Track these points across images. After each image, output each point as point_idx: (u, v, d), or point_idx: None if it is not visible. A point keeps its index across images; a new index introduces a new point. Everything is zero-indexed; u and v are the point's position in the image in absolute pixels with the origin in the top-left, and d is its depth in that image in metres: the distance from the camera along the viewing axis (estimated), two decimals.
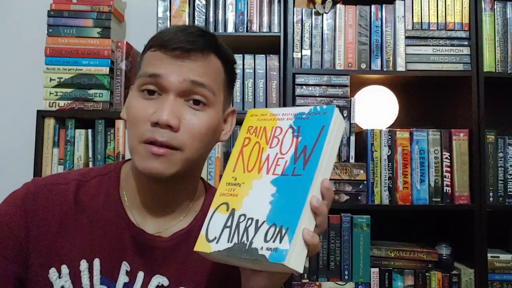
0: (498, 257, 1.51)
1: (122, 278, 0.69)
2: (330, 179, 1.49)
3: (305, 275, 1.46)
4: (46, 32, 1.54)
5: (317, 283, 1.45)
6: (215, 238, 0.60)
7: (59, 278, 0.68)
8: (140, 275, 0.70)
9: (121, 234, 0.70)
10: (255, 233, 0.57)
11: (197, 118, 0.67)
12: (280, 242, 0.54)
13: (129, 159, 0.75)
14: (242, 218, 0.59)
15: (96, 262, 0.69)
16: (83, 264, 0.68)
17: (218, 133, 0.73)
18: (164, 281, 0.70)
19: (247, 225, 0.58)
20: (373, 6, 1.56)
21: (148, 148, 0.64)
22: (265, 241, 0.55)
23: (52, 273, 0.68)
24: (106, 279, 0.69)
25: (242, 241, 0.57)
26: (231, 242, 0.58)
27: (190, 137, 0.66)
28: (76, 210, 0.71)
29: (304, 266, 1.43)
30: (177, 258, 0.71)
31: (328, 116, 0.61)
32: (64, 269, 0.68)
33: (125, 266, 0.70)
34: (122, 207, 0.72)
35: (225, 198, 0.63)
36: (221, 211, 0.62)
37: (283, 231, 0.55)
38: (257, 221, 0.57)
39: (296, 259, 0.55)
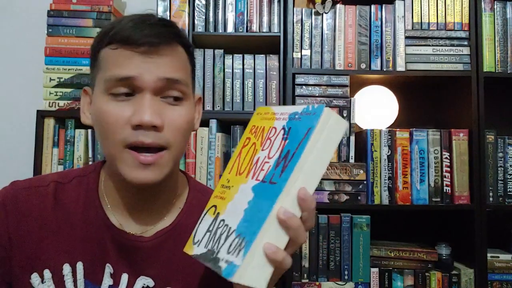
0: (498, 257, 1.51)
1: (107, 281, 0.68)
2: (330, 179, 1.52)
3: (305, 275, 1.46)
4: (46, 32, 1.54)
5: (317, 283, 1.45)
6: (198, 240, 0.59)
7: (42, 283, 0.67)
8: (125, 277, 0.68)
9: (102, 236, 0.69)
10: (224, 242, 0.54)
11: (177, 113, 0.65)
12: (237, 255, 0.51)
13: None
14: (221, 223, 0.57)
15: (79, 266, 0.67)
16: (66, 268, 0.67)
17: (193, 124, 0.72)
18: (149, 282, 0.69)
19: (222, 232, 0.56)
20: (373, 6, 1.56)
21: (134, 156, 0.62)
22: (227, 252, 0.52)
23: (34, 278, 0.67)
24: (90, 283, 0.67)
25: (213, 248, 0.55)
26: (206, 247, 0.57)
27: (174, 134, 0.64)
28: (56, 212, 0.69)
29: (303, 266, 1.45)
30: (161, 257, 0.70)
31: (316, 117, 0.53)
32: (47, 273, 0.67)
33: (108, 269, 0.68)
34: (102, 208, 0.70)
35: (216, 201, 0.61)
36: (210, 214, 0.61)
37: (243, 244, 0.51)
38: (229, 228, 0.55)
39: (252, 275, 0.50)
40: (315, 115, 0.54)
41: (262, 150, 0.59)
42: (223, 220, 0.57)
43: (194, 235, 0.61)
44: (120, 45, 0.63)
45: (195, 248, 0.58)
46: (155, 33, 0.63)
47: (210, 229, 0.58)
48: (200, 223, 0.61)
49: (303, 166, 0.52)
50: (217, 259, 0.53)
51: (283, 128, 0.58)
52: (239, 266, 0.50)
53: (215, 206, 0.61)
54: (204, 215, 0.62)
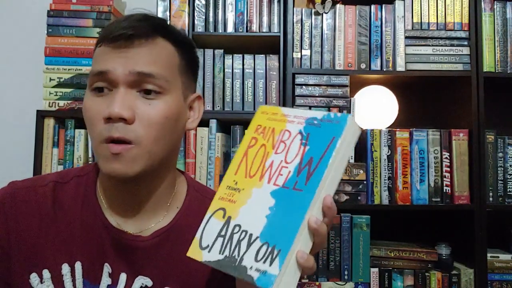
0: (498, 257, 1.51)
1: (105, 281, 0.68)
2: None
3: (305, 275, 1.46)
4: (46, 32, 1.54)
5: (317, 283, 1.45)
6: (208, 246, 0.57)
7: (41, 283, 0.67)
8: (123, 277, 0.68)
9: (100, 236, 0.69)
10: (247, 249, 0.53)
11: (152, 107, 0.63)
12: (270, 264, 0.51)
13: None
14: (237, 229, 0.55)
15: (78, 266, 0.67)
16: (65, 268, 0.67)
17: (182, 121, 0.70)
18: (148, 282, 0.68)
19: (240, 238, 0.54)
20: (372, 6, 1.56)
21: (106, 147, 0.62)
22: (256, 260, 0.52)
23: (33, 278, 0.67)
24: (88, 282, 0.67)
25: (233, 255, 0.54)
26: (222, 253, 0.55)
27: (146, 128, 0.63)
28: (55, 212, 0.69)
29: None
30: (159, 257, 0.69)
31: (341, 126, 0.54)
32: (46, 273, 0.67)
33: (107, 268, 0.68)
34: (100, 208, 0.70)
35: (223, 203, 0.59)
36: (217, 217, 0.58)
37: (275, 253, 0.51)
38: (250, 235, 0.54)
39: (286, 284, 0.51)
40: (338, 123, 0.54)
41: (276, 153, 0.58)
42: (238, 225, 0.56)
43: (200, 239, 0.58)
44: (103, 43, 0.64)
45: (205, 254, 0.56)
46: (131, 26, 0.63)
47: (222, 234, 0.56)
48: (205, 226, 0.59)
49: (329, 174, 0.53)
50: (243, 267, 0.52)
51: (300, 133, 0.57)
52: (276, 276, 0.50)
53: (223, 209, 0.59)
54: (209, 218, 0.59)
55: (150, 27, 0.64)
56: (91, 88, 0.65)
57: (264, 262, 0.51)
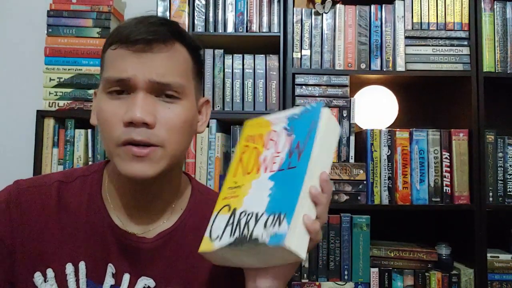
0: (498, 257, 1.51)
1: (109, 281, 0.68)
2: (330, 179, 1.50)
3: (305, 275, 1.46)
4: (46, 32, 1.54)
5: (317, 283, 1.45)
6: (218, 236, 0.60)
7: (45, 282, 0.67)
8: (126, 277, 0.68)
9: (105, 236, 0.69)
10: (255, 224, 0.57)
11: (171, 111, 0.64)
12: (279, 226, 0.54)
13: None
14: (243, 214, 0.59)
15: (82, 265, 0.68)
16: (69, 268, 0.67)
17: (194, 125, 0.71)
18: (151, 282, 0.69)
19: (248, 219, 0.58)
20: (372, 6, 1.56)
21: (128, 149, 0.62)
22: (265, 228, 0.56)
23: (38, 277, 0.67)
24: (92, 282, 0.68)
25: (244, 234, 0.57)
26: (233, 236, 0.58)
27: (168, 132, 0.64)
28: (60, 212, 0.70)
29: (303, 266, 1.45)
30: (163, 258, 0.70)
31: (316, 111, 0.62)
32: (50, 272, 0.67)
33: (110, 269, 0.68)
34: (105, 209, 0.71)
35: (227, 201, 0.63)
36: (223, 213, 0.62)
37: (282, 216, 0.55)
38: (257, 214, 0.58)
39: (297, 243, 0.54)
40: (314, 109, 0.63)
41: (267, 149, 0.64)
42: (243, 212, 0.60)
43: (210, 234, 0.61)
44: (118, 45, 0.64)
45: (216, 243, 0.59)
46: (151, 31, 0.63)
47: (230, 222, 0.60)
48: (212, 224, 0.62)
49: (317, 148, 0.59)
50: (255, 239, 0.55)
51: (285, 128, 0.64)
52: (286, 233, 0.53)
53: (227, 205, 0.62)
54: (216, 216, 0.63)
55: (168, 32, 0.65)
56: (107, 92, 0.64)
57: (273, 226, 0.55)
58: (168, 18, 1.55)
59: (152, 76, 0.63)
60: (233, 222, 0.60)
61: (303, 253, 0.55)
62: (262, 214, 0.57)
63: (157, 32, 0.63)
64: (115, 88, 0.64)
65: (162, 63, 0.64)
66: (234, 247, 0.57)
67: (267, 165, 0.62)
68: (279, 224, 0.54)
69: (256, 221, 0.57)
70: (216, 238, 0.60)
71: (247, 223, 0.58)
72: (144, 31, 0.63)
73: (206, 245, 0.60)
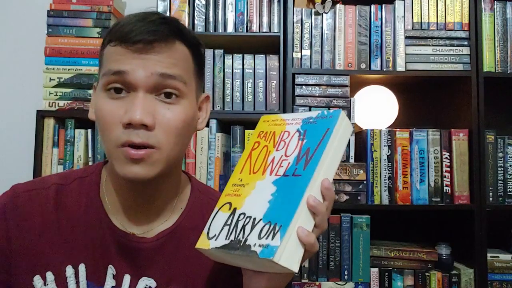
0: (498, 257, 1.51)
1: (109, 282, 0.68)
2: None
3: (305, 275, 1.46)
4: (46, 32, 1.54)
5: (317, 283, 1.45)
6: (215, 235, 0.60)
7: (45, 285, 0.66)
8: (127, 278, 0.68)
9: (104, 237, 0.69)
10: (251, 230, 0.57)
11: (171, 112, 0.64)
12: (272, 239, 0.54)
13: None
14: (242, 216, 0.59)
15: (82, 267, 0.67)
16: (69, 270, 0.67)
17: (194, 123, 0.70)
18: (152, 283, 0.69)
19: (245, 223, 0.58)
20: (372, 6, 1.56)
21: (125, 152, 0.61)
22: (259, 238, 0.55)
23: (37, 280, 0.67)
24: (92, 284, 0.67)
25: (238, 238, 0.57)
26: (228, 239, 0.58)
27: (166, 133, 0.63)
28: (58, 214, 0.69)
29: (303, 266, 1.45)
30: (163, 258, 0.70)
31: (334, 119, 0.61)
32: (49, 275, 0.67)
33: (111, 270, 0.68)
34: (104, 210, 0.70)
35: (229, 198, 0.63)
36: (223, 210, 0.62)
37: (276, 228, 0.55)
38: (254, 219, 0.58)
39: (288, 257, 0.54)
40: (332, 118, 0.61)
41: (277, 150, 0.64)
42: (243, 213, 0.60)
43: (208, 231, 0.62)
44: (118, 43, 0.63)
45: (212, 242, 0.59)
46: (151, 30, 0.62)
47: (228, 223, 0.60)
48: (212, 220, 0.63)
49: (325, 160, 0.58)
50: (248, 246, 0.55)
51: (298, 131, 0.64)
52: (278, 247, 0.53)
53: (229, 203, 0.63)
54: (216, 212, 0.63)
55: (169, 31, 0.64)
56: (106, 88, 0.64)
57: (267, 238, 0.55)
58: None
59: (154, 69, 0.62)
60: (231, 223, 0.60)
61: (295, 267, 0.55)
62: (259, 221, 0.57)
63: (157, 32, 0.63)
64: (114, 85, 0.63)
65: (163, 60, 0.63)
66: (228, 250, 0.57)
67: (274, 168, 0.62)
68: (273, 236, 0.54)
69: (252, 227, 0.57)
70: (212, 237, 0.60)
71: (243, 227, 0.58)
72: (144, 30, 0.62)
73: (203, 242, 0.61)
